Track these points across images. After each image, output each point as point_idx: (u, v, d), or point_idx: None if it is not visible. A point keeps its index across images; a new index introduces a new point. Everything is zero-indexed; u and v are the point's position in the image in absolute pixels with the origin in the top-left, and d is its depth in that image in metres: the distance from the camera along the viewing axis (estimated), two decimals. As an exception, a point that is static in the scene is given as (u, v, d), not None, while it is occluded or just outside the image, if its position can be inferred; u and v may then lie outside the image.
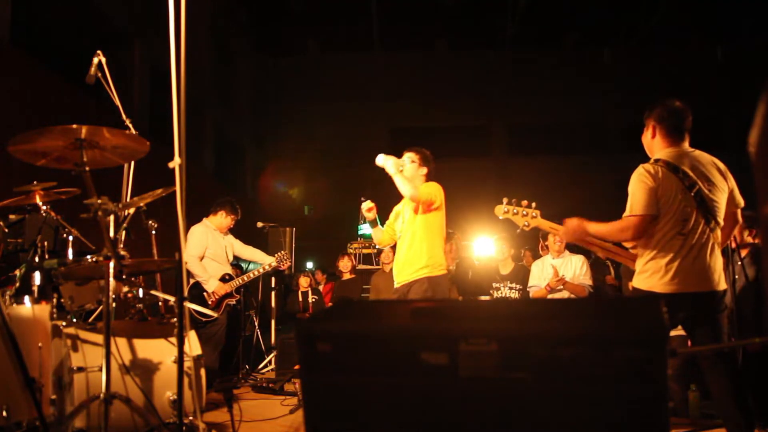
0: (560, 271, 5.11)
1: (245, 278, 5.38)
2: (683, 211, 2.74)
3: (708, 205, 2.76)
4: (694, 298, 2.73)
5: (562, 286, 5.02)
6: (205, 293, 5.12)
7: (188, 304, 4.62)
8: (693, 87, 13.91)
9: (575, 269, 5.10)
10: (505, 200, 3.23)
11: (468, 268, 6.32)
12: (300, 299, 7.28)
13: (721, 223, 2.82)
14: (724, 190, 2.85)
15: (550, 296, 5.08)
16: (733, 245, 3.59)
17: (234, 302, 5.35)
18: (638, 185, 2.80)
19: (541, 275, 5.25)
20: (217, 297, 5.13)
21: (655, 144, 2.96)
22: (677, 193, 2.74)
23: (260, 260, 5.63)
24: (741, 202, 2.93)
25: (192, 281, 5.17)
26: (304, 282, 7.40)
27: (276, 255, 5.67)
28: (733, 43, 14.62)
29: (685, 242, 2.74)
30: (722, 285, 2.80)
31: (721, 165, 2.90)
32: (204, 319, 5.01)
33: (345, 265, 7.27)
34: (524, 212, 3.21)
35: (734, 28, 13.76)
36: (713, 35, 14.51)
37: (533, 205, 3.23)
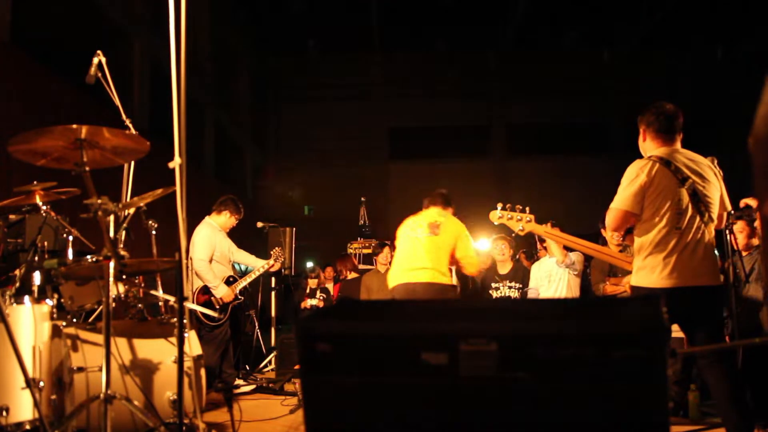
0: (555, 269, 5.10)
1: (247, 279, 5.37)
2: (677, 205, 2.77)
3: (701, 199, 2.80)
4: (693, 293, 2.75)
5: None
6: (212, 298, 5.09)
7: (195, 306, 4.61)
8: (693, 87, 13.91)
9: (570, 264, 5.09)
10: (499, 205, 3.33)
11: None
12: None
13: (715, 219, 2.86)
14: (717, 188, 2.88)
15: (544, 296, 5.08)
16: (736, 247, 3.62)
17: (237, 304, 5.32)
18: (629, 181, 2.85)
19: (539, 275, 5.25)
20: (224, 303, 5.10)
21: (647, 146, 3.03)
22: (671, 187, 2.78)
23: (252, 264, 5.59)
24: (728, 206, 2.97)
25: (199, 286, 5.11)
26: (312, 283, 7.42)
27: (272, 252, 5.66)
28: (733, 43, 14.62)
29: (681, 237, 2.77)
30: (718, 280, 2.83)
31: (714, 167, 2.94)
32: (212, 324, 4.99)
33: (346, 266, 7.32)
34: (518, 217, 3.29)
35: (734, 28, 13.75)
36: (713, 35, 14.50)
37: (527, 209, 3.31)
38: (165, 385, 2.88)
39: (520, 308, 1.80)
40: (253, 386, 5.20)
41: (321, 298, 7.22)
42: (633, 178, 2.82)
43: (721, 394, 2.70)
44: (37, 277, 3.00)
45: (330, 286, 8.26)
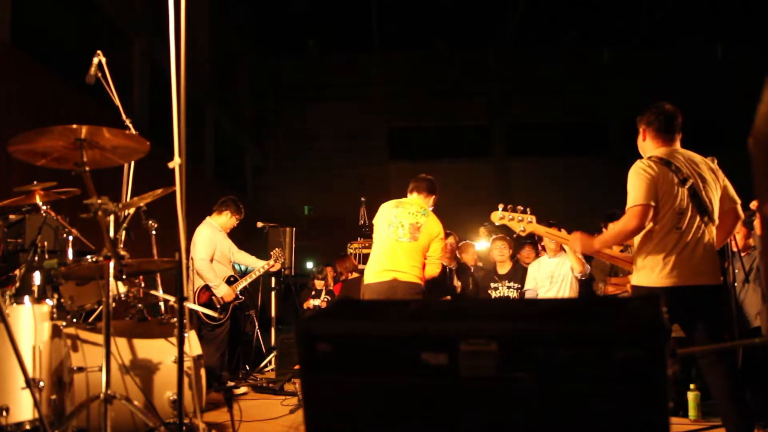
0: (557, 270, 5.11)
1: (248, 278, 5.37)
2: (678, 205, 2.78)
3: (701, 199, 2.80)
4: (693, 292, 2.75)
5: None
6: (213, 297, 5.10)
7: (195, 306, 4.62)
8: (693, 87, 13.91)
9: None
10: (500, 206, 3.33)
11: (467, 270, 6.32)
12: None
13: (716, 220, 2.86)
14: (716, 188, 2.89)
15: (544, 296, 5.08)
16: (735, 248, 3.62)
17: (238, 304, 5.33)
18: (637, 178, 2.84)
19: (538, 276, 5.25)
20: (225, 302, 5.10)
21: (646, 146, 3.03)
22: (672, 187, 2.78)
23: (252, 264, 5.60)
24: (737, 198, 2.96)
25: (200, 285, 5.12)
26: (319, 284, 7.42)
27: (272, 253, 5.66)
28: (733, 43, 14.62)
29: (681, 237, 2.77)
30: (719, 279, 2.83)
31: (713, 164, 2.94)
32: (213, 323, 5.00)
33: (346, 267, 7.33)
34: (520, 218, 3.30)
35: (734, 28, 13.75)
36: (713, 35, 14.50)
37: (528, 210, 3.32)
38: (165, 385, 2.88)
39: (520, 308, 1.80)
40: (246, 389, 5.18)
41: (325, 300, 7.22)
42: (641, 174, 2.81)
43: (721, 394, 2.70)
44: (37, 277, 3.00)
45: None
